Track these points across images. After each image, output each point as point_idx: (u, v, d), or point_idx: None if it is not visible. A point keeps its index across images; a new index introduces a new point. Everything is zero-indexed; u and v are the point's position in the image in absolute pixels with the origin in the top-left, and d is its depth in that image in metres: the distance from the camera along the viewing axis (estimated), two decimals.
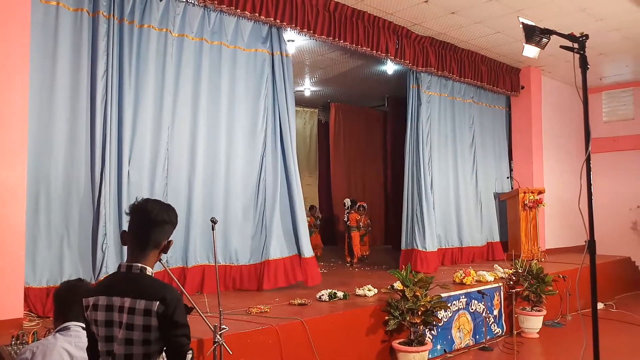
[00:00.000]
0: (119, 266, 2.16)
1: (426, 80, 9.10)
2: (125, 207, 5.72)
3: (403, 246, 8.81)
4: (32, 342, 3.54)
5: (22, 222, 4.72)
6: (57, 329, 2.70)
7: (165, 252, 2.20)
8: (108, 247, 5.39)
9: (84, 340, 2.38)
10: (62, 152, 5.30)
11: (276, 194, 6.80)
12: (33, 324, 4.62)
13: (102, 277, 5.27)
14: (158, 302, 1.99)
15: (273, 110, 6.95)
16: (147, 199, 2.18)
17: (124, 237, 2.18)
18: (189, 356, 2.03)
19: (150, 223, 2.12)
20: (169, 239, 2.19)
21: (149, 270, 2.12)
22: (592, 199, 2.84)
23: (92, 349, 2.17)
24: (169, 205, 2.21)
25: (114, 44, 5.64)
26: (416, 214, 8.72)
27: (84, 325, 2.78)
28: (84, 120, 5.45)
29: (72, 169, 5.36)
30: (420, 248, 8.53)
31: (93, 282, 5.20)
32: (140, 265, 2.10)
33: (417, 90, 9.01)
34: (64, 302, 2.76)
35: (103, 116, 5.52)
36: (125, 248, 5.76)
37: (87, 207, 5.44)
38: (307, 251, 6.90)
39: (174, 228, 2.21)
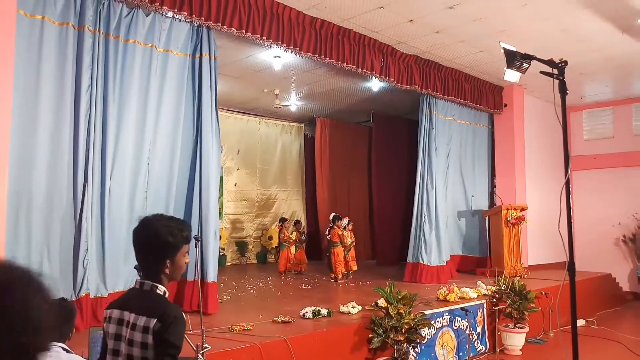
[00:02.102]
0: (135, 281, 2.18)
1: (440, 105, 9.67)
2: (108, 222, 5.72)
3: (409, 259, 9.45)
4: None
5: (2, 236, 4.65)
6: None
7: (173, 271, 2.15)
8: (89, 262, 5.32)
9: None
10: (44, 166, 5.23)
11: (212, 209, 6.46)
12: None
13: (83, 294, 5.20)
14: (156, 320, 1.99)
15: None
16: (143, 221, 2.17)
17: None
18: None
19: (144, 248, 2.15)
20: (173, 258, 2.14)
21: (160, 289, 2.13)
22: (572, 222, 2.90)
23: None
24: (166, 226, 2.15)
25: (99, 59, 5.61)
26: (423, 229, 9.30)
27: (64, 346, 2.75)
28: (67, 134, 5.40)
29: (54, 183, 5.30)
30: (425, 262, 9.16)
31: (73, 298, 5.13)
32: (150, 283, 2.12)
33: (429, 115, 9.54)
34: None
35: (87, 130, 5.48)
36: (106, 265, 5.69)
37: (68, 221, 5.37)
38: (214, 275, 6.30)
39: (178, 246, 2.15)
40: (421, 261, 9.20)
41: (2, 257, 4.63)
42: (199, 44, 6.46)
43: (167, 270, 2.15)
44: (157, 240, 2.13)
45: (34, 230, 5.14)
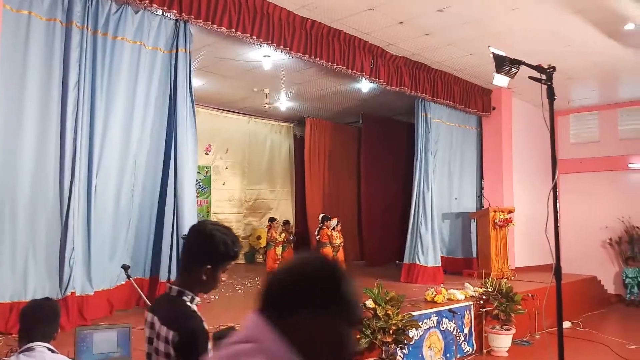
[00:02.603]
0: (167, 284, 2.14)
1: (434, 109, 9.89)
2: (94, 220, 5.67)
3: (405, 260, 9.59)
4: None
5: None
6: (21, 349, 2.63)
7: (209, 282, 2.03)
8: (76, 262, 5.26)
9: None
10: (29, 164, 5.18)
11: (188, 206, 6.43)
12: None
13: (69, 292, 5.15)
14: (173, 332, 1.91)
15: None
16: (201, 223, 2.14)
17: None
18: None
19: (191, 250, 2.09)
20: (215, 267, 2.02)
21: (187, 295, 2.03)
22: (558, 227, 2.92)
23: None
24: (222, 234, 2.04)
25: (87, 55, 5.56)
26: (419, 230, 9.44)
27: (49, 346, 2.71)
28: (54, 131, 5.35)
29: (40, 180, 5.24)
30: (422, 263, 9.30)
31: (60, 297, 5.08)
32: (177, 288, 2.03)
33: (425, 119, 9.76)
34: (29, 322, 2.69)
35: (74, 128, 5.41)
36: (92, 263, 5.62)
37: (54, 220, 5.31)
38: None
39: (225, 258, 2.04)
40: (417, 262, 9.30)
41: None
42: (176, 39, 6.41)
43: (204, 277, 2.02)
44: (209, 244, 2.02)
45: (19, 229, 5.08)
